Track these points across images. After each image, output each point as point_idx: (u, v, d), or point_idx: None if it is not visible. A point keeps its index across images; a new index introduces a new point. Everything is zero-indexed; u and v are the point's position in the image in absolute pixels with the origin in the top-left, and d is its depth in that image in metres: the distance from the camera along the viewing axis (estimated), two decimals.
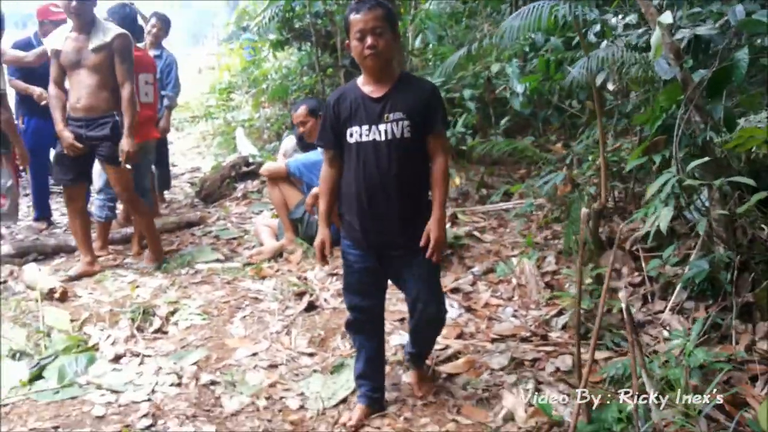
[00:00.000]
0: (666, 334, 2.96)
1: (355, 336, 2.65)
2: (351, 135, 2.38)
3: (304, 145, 4.50)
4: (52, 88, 4.03)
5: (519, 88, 5.22)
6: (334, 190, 2.49)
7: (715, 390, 2.45)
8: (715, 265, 2.98)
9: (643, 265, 3.42)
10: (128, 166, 3.98)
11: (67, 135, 3.92)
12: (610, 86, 4.08)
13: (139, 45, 5.01)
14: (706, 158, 2.67)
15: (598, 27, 4.18)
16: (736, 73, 2.90)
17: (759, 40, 3.12)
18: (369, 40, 2.26)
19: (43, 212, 5.36)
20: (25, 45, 4.97)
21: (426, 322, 2.54)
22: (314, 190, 3.91)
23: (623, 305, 2.14)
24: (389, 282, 2.62)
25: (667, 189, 2.60)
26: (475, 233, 4.28)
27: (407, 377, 2.81)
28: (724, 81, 2.95)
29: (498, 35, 3.46)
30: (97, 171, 4.46)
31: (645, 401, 2.30)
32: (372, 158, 2.35)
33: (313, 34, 7.28)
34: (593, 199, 3.74)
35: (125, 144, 3.92)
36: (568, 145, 4.98)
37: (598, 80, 4.01)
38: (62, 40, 3.96)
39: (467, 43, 5.03)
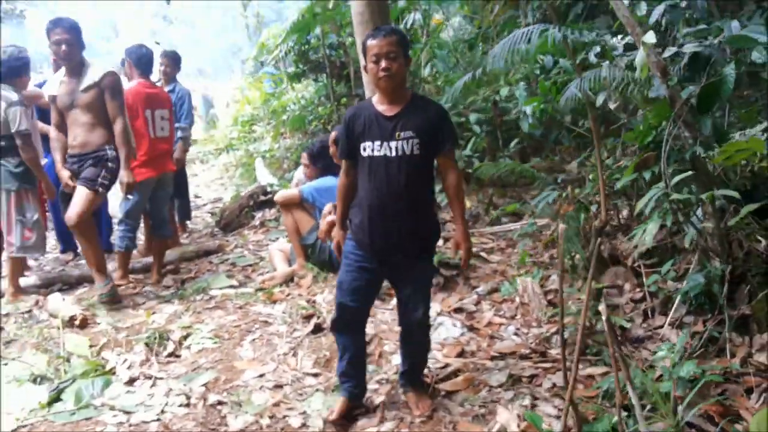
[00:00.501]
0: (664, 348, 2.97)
1: (339, 336, 2.81)
2: (364, 149, 2.56)
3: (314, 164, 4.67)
4: (52, 131, 4.33)
5: (528, 110, 5.32)
6: (349, 197, 2.72)
7: (698, 401, 2.48)
8: (710, 279, 3.00)
9: (645, 280, 3.44)
10: (129, 197, 4.21)
11: (63, 174, 4.21)
12: (612, 105, 4.13)
13: (156, 82, 5.27)
14: (690, 172, 2.71)
15: (598, 48, 4.28)
16: (723, 89, 2.95)
17: (750, 56, 3.17)
18: (384, 63, 2.45)
19: (68, 245, 5.59)
20: (42, 86, 5.23)
21: (416, 324, 2.71)
22: (329, 217, 4.03)
23: (603, 318, 2.18)
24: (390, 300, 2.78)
25: (651, 204, 2.64)
26: (482, 254, 4.35)
27: (405, 398, 2.86)
28: (713, 96, 3.01)
29: (488, 61, 3.56)
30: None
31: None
32: (383, 171, 2.53)
33: (327, 65, 7.51)
34: (594, 217, 3.79)
35: (123, 176, 4.14)
36: (583, 164, 5.03)
37: (599, 100, 4.10)
38: (57, 85, 4.23)
39: (471, 69, 5.16)
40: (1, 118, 4.28)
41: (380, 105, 2.58)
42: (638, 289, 3.47)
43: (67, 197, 4.25)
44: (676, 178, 2.70)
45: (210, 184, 9.09)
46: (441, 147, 2.59)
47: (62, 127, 4.30)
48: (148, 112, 4.65)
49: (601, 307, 2.23)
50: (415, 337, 2.79)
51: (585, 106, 4.62)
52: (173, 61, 5.93)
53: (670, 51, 3.18)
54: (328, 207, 4.17)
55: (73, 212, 4.11)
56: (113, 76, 4.16)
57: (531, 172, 4.13)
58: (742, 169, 3.33)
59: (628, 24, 3.15)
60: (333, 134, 4.54)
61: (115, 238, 4.79)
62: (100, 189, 4.16)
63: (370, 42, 2.50)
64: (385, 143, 2.52)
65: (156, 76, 5.48)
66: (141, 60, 4.69)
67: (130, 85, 4.73)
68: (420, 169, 2.57)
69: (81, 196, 4.13)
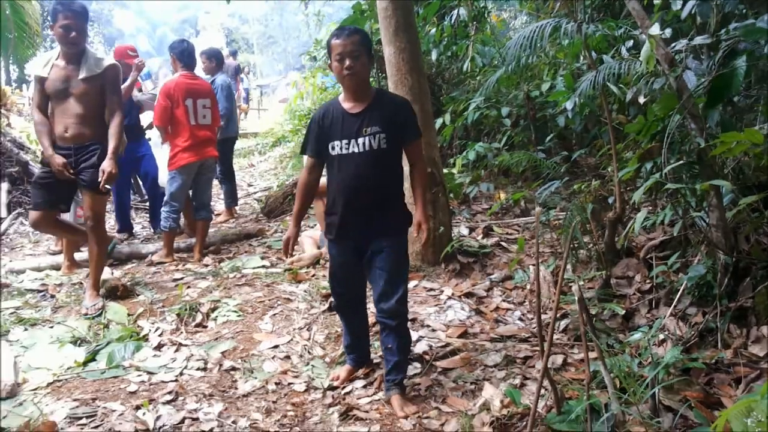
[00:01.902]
0: (661, 337, 3.00)
1: (341, 315, 3.07)
2: (333, 148, 2.69)
3: None
4: (36, 114, 4.01)
5: (568, 105, 5.33)
6: (310, 195, 2.90)
7: (683, 387, 2.52)
8: (713, 271, 3.01)
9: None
10: (107, 187, 4.00)
11: (58, 159, 3.90)
12: (641, 99, 4.13)
13: (203, 75, 5.64)
14: (682, 162, 2.74)
15: (630, 42, 4.28)
16: (734, 81, 2.95)
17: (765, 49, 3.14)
18: (347, 62, 2.57)
19: (124, 225, 6.02)
20: None
21: (388, 314, 2.75)
22: None
23: (576, 297, 2.27)
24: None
25: (640, 193, 2.68)
26: (503, 243, 4.42)
27: (389, 402, 2.79)
28: (723, 88, 3.00)
29: (503, 55, 3.64)
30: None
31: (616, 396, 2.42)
32: (352, 167, 2.67)
33: (375, 61, 7.67)
34: (611, 208, 3.81)
35: (107, 165, 3.88)
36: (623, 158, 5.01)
37: (629, 95, 4.11)
38: (48, 67, 3.96)
39: (505, 65, 5.22)
40: None
41: (346, 103, 2.69)
42: (647, 281, 3.49)
43: (46, 184, 4.05)
44: (669, 167, 2.73)
45: (264, 174, 9.46)
46: (407, 139, 2.72)
47: (45, 111, 4.02)
48: (189, 101, 4.98)
49: (574, 288, 2.31)
50: (392, 330, 2.77)
51: (622, 103, 4.65)
52: (210, 58, 6.44)
53: (681, 43, 3.20)
54: None
55: (89, 217, 4.02)
56: (116, 68, 4.05)
57: (541, 161, 4.18)
58: (756, 164, 3.31)
59: (638, 16, 3.17)
60: None
61: (161, 219, 5.13)
62: (106, 187, 4.01)
63: (334, 41, 2.60)
64: (353, 140, 2.64)
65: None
66: (183, 54, 5.05)
67: (173, 77, 5.10)
68: (387, 161, 2.69)
69: (89, 202, 4.01)
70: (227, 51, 16.47)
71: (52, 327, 3.77)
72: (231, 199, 6.76)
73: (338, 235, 2.80)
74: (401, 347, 2.80)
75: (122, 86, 5.35)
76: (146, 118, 6.13)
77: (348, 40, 2.57)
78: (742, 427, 2.23)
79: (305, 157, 2.84)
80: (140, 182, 6.85)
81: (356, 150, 2.64)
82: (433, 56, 6.92)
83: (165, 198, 5.07)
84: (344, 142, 2.66)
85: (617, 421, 2.40)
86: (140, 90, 6.15)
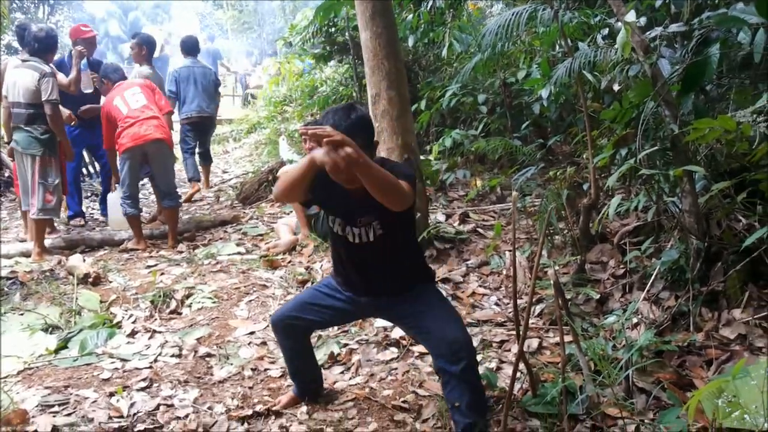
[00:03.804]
0: (635, 320, 3.05)
1: (284, 340, 2.64)
2: (333, 222, 2.33)
3: None
4: None
5: (544, 93, 5.35)
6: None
7: (656, 370, 2.57)
8: (686, 256, 3.06)
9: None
10: None
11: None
12: (616, 87, 4.16)
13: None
14: (656, 148, 2.77)
15: (606, 31, 4.30)
16: (708, 68, 2.99)
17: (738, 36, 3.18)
18: (344, 174, 2.06)
19: (76, 210, 5.96)
20: (59, 65, 5.55)
21: (450, 352, 2.17)
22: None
23: (552, 282, 2.29)
24: None
25: (614, 178, 2.71)
26: (479, 230, 4.44)
27: None
28: (697, 76, 3.04)
29: (478, 40, 3.64)
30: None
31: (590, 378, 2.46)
32: (353, 252, 2.33)
33: (352, 47, 7.62)
34: (585, 195, 3.85)
35: None
36: (598, 145, 5.05)
37: (603, 83, 4.14)
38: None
39: (481, 52, 5.22)
40: (33, 88, 4.63)
41: None
42: (621, 266, 3.53)
43: None
44: (643, 153, 2.76)
45: (239, 161, 9.37)
46: None
47: None
48: (118, 100, 5.04)
49: (550, 273, 2.33)
50: (459, 379, 2.17)
51: (597, 90, 4.69)
52: (138, 44, 6.24)
53: (655, 31, 3.22)
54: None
55: None
56: None
57: (517, 147, 4.20)
58: (728, 151, 3.36)
59: (614, 4, 3.19)
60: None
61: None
62: None
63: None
64: (348, 227, 2.27)
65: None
66: (115, 74, 5.21)
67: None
68: (387, 243, 2.29)
69: None
70: (204, 36, 16.27)
71: (22, 314, 3.70)
72: (192, 172, 7.01)
73: (348, 287, 2.45)
74: (473, 404, 2.19)
75: (72, 78, 5.31)
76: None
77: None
78: (713, 407, 2.28)
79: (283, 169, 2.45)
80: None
81: (351, 240, 2.28)
82: (410, 43, 6.88)
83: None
84: (339, 221, 2.29)
85: (592, 402, 2.44)
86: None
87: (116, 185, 5.38)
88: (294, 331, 2.58)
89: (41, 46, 4.78)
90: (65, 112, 5.31)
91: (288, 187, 2.16)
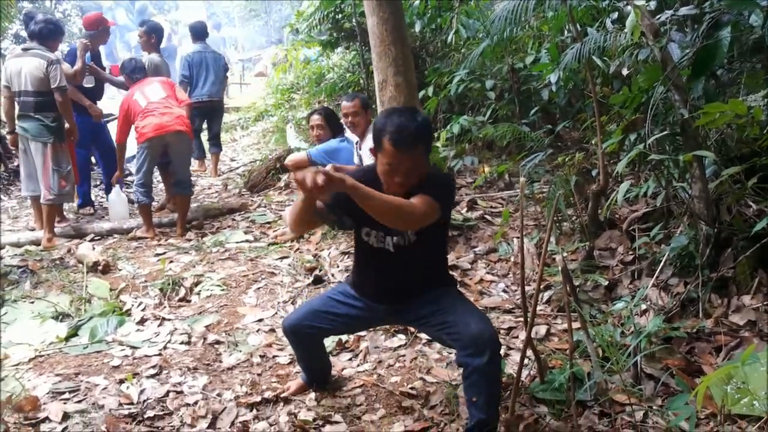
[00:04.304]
0: (644, 307, 3.04)
1: (296, 344, 2.63)
2: (368, 235, 2.31)
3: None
4: None
5: (553, 78, 5.31)
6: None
7: (665, 356, 2.56)
8: (695, 242, 3.03)
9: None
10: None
11: None
12: (625, 71, 4.12)
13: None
14: (665, 133, 2.74)
15: (615, 15, 4.25)
16: (719, 52, 2.95)
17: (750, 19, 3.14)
18: (403, 177, 2.13)
19: (86, 199, 5.97)
20: (71, 54, 5.58)
21: (474, 344, 2.13)
22: (328, 167, 4.26)
23: (560, 268, 2.28)
24: None
25: (623, 164, 2.69)
26: (487, 216, 4.43)
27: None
28: (708, 60, 3.00)
29: (486, 26, 3.60)
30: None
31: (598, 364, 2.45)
32: (384, 261, 2.30)
33: (359, 33, 7.58)
34: (594, 181, 3.82)
35: None
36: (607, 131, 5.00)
37: (612, 67, 4.09)
38: None
39: (489, 37, 5.17)
40: (41, 75, 4.65)
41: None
42: (630, 252, 3.51)
43: None
44: (652, 138, 2.73)
45: (247, 149, 9.36)
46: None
47: None
48: (137, 95, 5.04)
49: (558, 258, 2.32)
50: (480, 374, 2.12)
51: (606, 76, 4.64)
52: (147, 33, 6.28)
53: (666, 14, 3.18)
54: (329, 167, 4.36)
55: None
56: None
57: (525, 134, 4.17)
58: (738, 136, 3.32)
59: None
60: (358, 100, 4.61)
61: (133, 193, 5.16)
62: None
63: (401, 155, 2.08)
64: (388, 237, 2.26)
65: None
66: (134, 72, 5.20)
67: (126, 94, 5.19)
68: (420, 250, 2.28)
69: None
70: (211, 24, 16.21)
71: (32, 302, 3.73)
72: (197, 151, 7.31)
73: (368, 295, 2.42)
74: (489, 401, 2.16)
75: (78, 68, 5.33)
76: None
77: (413, 155, 2.09)
78: (721, 393, 2.27)
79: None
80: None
81: (388, 248, 2.27)
82: (417, 28, 6.84)
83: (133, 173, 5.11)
84: (374, 233, 2.28)
85: (600, 389, 2.43)
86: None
87: (116, 181, 5.46)
88: (306, 338, 2.56)
89: (46, 35, 4.80)
90: (86, 101, 5.37)
91: (294, 220, 2.22)
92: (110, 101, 8.03)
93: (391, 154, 2.08)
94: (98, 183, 6.54)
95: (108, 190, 5.73)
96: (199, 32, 7.26)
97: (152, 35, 6.12)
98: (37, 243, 4.84)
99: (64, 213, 5.45)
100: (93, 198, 6.17)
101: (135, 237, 4.99)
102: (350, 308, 2.44)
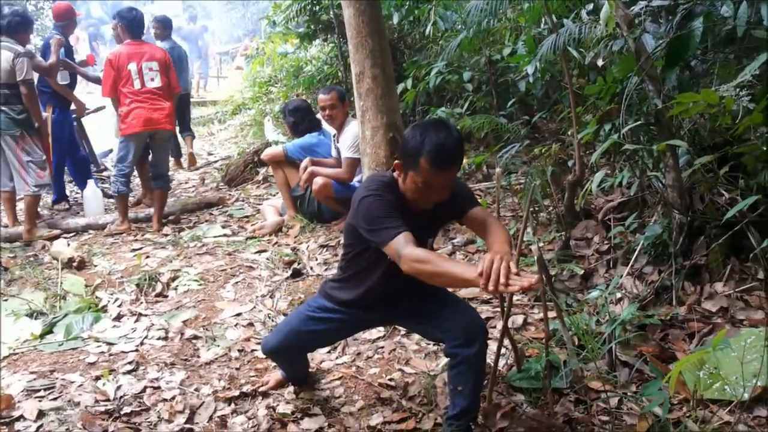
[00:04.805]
0: (618, 295, 3.07)
1: (278, 361, 2.68)
2: (375, 251, 2.12)
3: (298, 132, 4.84)
4: None
5: (530, 69, 5.32)
6: None
7: (639, 343, 2.60)
8: (669, 230, 3.07)
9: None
10: None
11: None
12: (600, 62, 4.15)
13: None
14: (640, 122, 2.77)
15: (591, 6, 4.27)
16: (691, 42, 2.98)
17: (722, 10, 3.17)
18: (439, 195, 2.07)
19: (61, 194, 5.91)
20: (45, 48, 5.49)
21: (465, 335, 2.15)
22: (305, 162, 4.29)
23: (536, 257, 2.29)
24: None
25: (598, 153, 2.71)
26: None
27: None
28: (681, 50, 3.03)
29: (463, 17, 3.60)
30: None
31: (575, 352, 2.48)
32: (388, 273, 2.15)
33: (336, 25, 7.54)
34: (570, 171, 3.85)
35: None
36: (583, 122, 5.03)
37: (588, 58, 4.11)
38: None
39: (466, 29, 5.17)
40: (8, 67, 4.57)
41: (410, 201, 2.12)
42: (606, 242, 3.55)
43: None
44: (627, 127, 2.76)
45: (224, 143, 9.28)
46: (467, 209, 2.19)
47: None
48: (132, 65, 4.81)
49: (534, 248, 2.33)
50: (468, 364, 2.14)
51: (582, 67, 4.67)
52: (162, 24, 6.66)
53: (640, 5, 3.21)
54: (305, 161, 4.40)
55: None
56: None
57: (503, 125, 4.19)
58: (711, 126, 3.37)
59: None
60: (334, 92, 4.59)
61: (111, 183, 5.12)
62: None
63: (435, 169, 1.99)
64: None
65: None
66: (132, 23, 4.91)
67: (118, 47, 4.99)
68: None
69: None
70: (186, 16, 16.02)
71: (6, 300, 3.68)
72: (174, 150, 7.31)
73: (354, 306, 2.36)
74: (474, 389, 2.19)
75: (52, 63, 5.25)
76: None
77: (452, 173, 2.04)
78: (694, 379, 2.31)
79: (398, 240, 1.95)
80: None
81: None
82: (395, 20, 6.82)
83: (115, 161, 5.02)
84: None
85: (575, 376, 2.46)
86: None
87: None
88: (288, 356, 2.56)
89: (15, 27, 4.73)
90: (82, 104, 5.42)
91: (435, 282, 1.99)
92: (89, 96, 7.95)
93: (429, 173, 2.00)
94: (71, 180, 6.45)
95: (82, 186, 5.66)
96: (168, 27, 7.22)
97: (164, 25, 6.25)
98: (10, 240, 4.76)
99: (38, 209, 5.36)
100: (68, 193, 6.09)
101: (110, 233, 4.92)
102: (331, 323, 2.38)
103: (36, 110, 4.75)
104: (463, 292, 3.40)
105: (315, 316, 2.39)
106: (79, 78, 5.94)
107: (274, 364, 2.84)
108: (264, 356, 2.95)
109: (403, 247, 1.92)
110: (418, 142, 2.00)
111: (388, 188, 2.12)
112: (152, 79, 4.85)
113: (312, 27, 8.20)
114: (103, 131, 7.50)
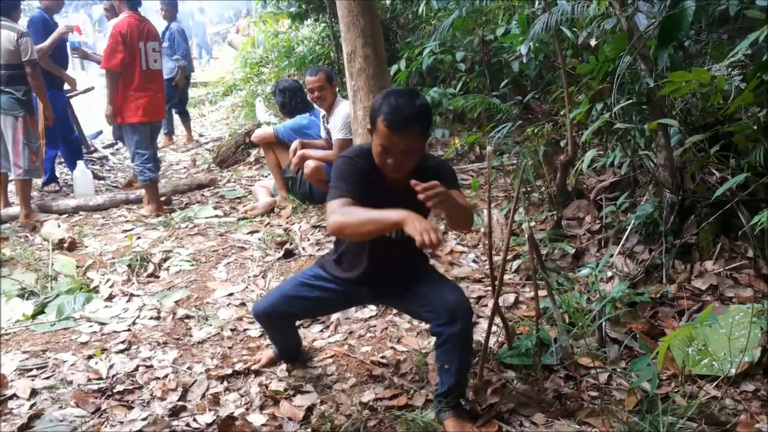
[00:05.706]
0: (609, 273, 3.09)
1: (268, 327, 2.65)
2: None
3: (287, 112, 4.82)
4: None
5: (523, 49, 5.30)
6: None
7: (629, 321, 2.62)
8: (660, 209, 3.09)
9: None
10: None
11: None
12: (593, 42, 4.13)
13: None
14: (632, 101, 2.77)
15: None
16: (683, 22, 2.97)
17: None
18: (398, 161, 2.06)
19: (51, 176, 5.88)
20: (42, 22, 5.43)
21: (448, 314, 2.16)
22: (294, 144, 4.27)
23: (526, 236, 2.30)
24: None
25: (589, 132, 2.71)
26: None
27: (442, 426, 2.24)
28: (673, 29, 3.02)
29: None
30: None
31: (566, 330, 2.50)
32: (383, 248, 2.22)
33: (328, 4, 7.48)
34: (563, 151, 3.86)
35: None
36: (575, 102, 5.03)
37: (581, 38, 4.10)
38: None
39: (459, 8, 5.14)
40: (11, 48, 4.52)
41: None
42: (597, 221, 3.57)
43: None
44: (619, 106, 2.76)
45: (215, 124, 9.24)
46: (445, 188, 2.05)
47: None
48: (141, 44, 4.72)
49: (524, 226, 2.34)
50: (453, 342, 2.16)
51: (576, 47, 4.65)
52: (170, 5, 7.02)
53: None
54: (295, 143, 4.39)
55: None
56: None
57: (495, 104, 4.18)
58: (702, 105, 3.37)
59: None
60: (322, 74, 4.53)
61: (138, 173, 4.97)
62: None
63: (387, 131, 2.01)
64: None
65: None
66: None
67: (119, 18, 4.83)
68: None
69: None
70: None
71: None
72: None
73: (347, 279, 2.37)
74: (461, 367, 2.20)
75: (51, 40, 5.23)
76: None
77: (408, 138, 2.02)
78: (682, 355, 2.34)
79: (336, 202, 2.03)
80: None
81: (391, 236, 2.17)
82: (388, 0, 6.78)
83: (132, 151, 4.89)
84: None
85: (566, 353, 2.48)
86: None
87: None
88: (278, 321, 2.56)
89: (8, 6, 4.65)
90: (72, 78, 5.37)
91: (363, 233, 2.02)
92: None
93: (384, 136, 2.03)
94: (61, 161, 6.40)
95: (72, 168, 5.62)
96: (175, 8, 7.48)
97: (170, 7, 6.37)
98: (1, 221, 4.73)
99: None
100: (58, 174, 6.06)
101: (143, 217, 4.82)
102: (323, 291, 2.40)
103: (41, 90, 4.71)
104: (456, 272, 3.43)
105: (308, 282, 2.42)
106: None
107: (267, 342, 2.85)
108: (256, 336, 2.98)
109: (336, 208, 2.00)
110: (378, 105, 2.06)
111: (364, 154, 2.15)
112: (155, 61, 4.78)
113: (303, 6, 8.14)
114: (91, 112, 7.45)
